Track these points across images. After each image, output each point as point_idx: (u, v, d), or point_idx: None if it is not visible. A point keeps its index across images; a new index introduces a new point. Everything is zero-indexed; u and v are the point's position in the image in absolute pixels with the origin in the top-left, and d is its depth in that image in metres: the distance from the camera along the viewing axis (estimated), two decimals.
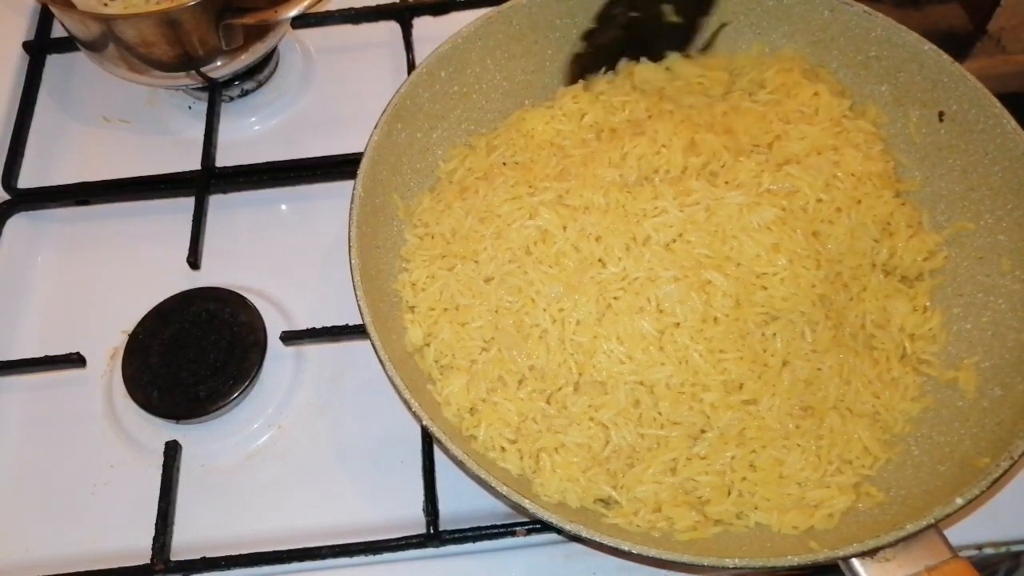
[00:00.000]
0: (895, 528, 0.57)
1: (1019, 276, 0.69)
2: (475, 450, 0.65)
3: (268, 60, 0.97)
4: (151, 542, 0.70)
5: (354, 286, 0.66)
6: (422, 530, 0.70)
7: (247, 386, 0.76)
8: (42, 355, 0.79)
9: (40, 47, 1.00)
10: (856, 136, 0.76)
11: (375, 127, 0.73)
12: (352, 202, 0.69)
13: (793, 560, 0.57)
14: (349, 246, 0.68)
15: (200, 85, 0.93)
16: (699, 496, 0.65)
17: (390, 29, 0.99)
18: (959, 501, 0.57)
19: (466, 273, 0.71)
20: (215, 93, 0.94)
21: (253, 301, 0.80)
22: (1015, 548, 0.69)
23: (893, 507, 0.63)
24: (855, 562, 0.57)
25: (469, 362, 0.69)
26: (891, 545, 0.57)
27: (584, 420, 0.66)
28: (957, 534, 0.68)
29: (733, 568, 0.57)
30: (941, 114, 0.75)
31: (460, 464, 0.60)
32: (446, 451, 0.61)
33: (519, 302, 0.69)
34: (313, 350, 0.81)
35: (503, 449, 0.66)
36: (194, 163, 0.90)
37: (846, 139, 0.76)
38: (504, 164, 0.78)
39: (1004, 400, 0.65)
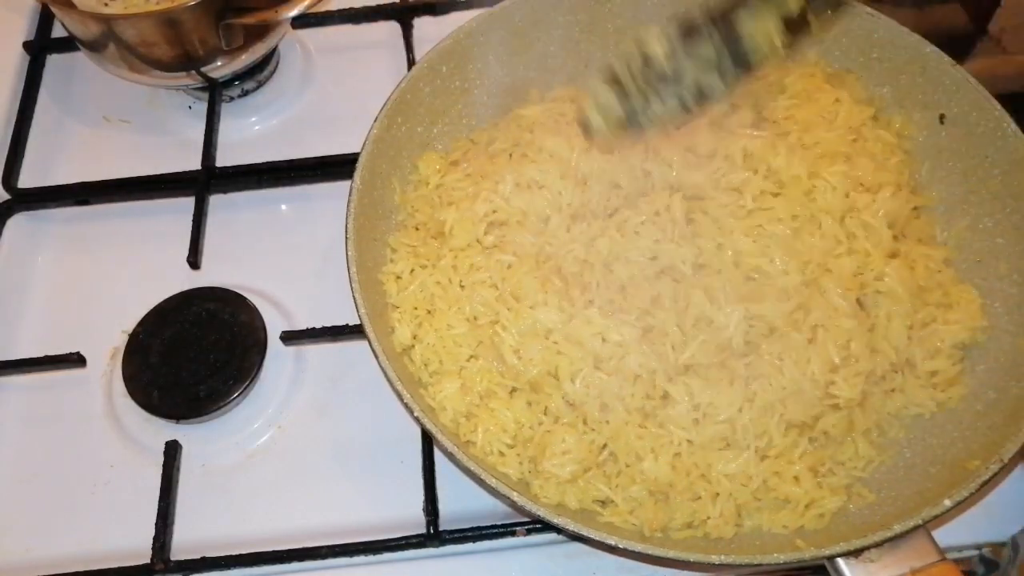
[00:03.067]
0: (882, 528, 0.57)
1: (1016, 280, 0.70)
2: (474, 455, 0.65)
3: (268, 60, 0.97)
4: (151, 542, 0.70)
5: (350, 278, 0.66)
6: (422, 530, 0.70)
7: (247, 386, 0.76)
8: (42, 355, 0.79)
9: (40, 47, 1.00)
10: (874, 146, 0.76)
11: (375, 120, 0.73)
12: (350, 194, 0.69)
13: (779, 558, 0.58)
14: (346, 238, 0.68)
15: (200, 85, 0.93)
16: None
17: (390, 29, 0.99)
18: (947, 503, 0.57)
19: (444, 274, 0.71)
20: (215, 93, 0.94)
21: (253, 301, 0.80)
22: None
23: (883, 508, 0.64)
24: (840, 562, 0.58)
25: (458, 367, 0.69)
26: (877, 545, 0.57)
27: (580, 432, 0.66)
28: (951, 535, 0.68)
29: (720, 564, 0.58)
30: (942, 117, 0.75)
31: (452, 457, 0.61)
32: (439, 444, 0.61)
33: (490, 315, 0.69)
34: (313, 350, 0.81)
35: (502, 454, 0.66)
36: (194, 163, 0.90)
37: (862, 148, 0.75)
38: (510, 156, 0.78)
39: (997, 404, 0.66)
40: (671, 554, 0.58)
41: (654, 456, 0.64)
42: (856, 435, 0.67)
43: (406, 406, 0.62)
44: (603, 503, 0.65)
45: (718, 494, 0.64)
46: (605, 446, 0.66)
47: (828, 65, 0.81)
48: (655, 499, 0.65)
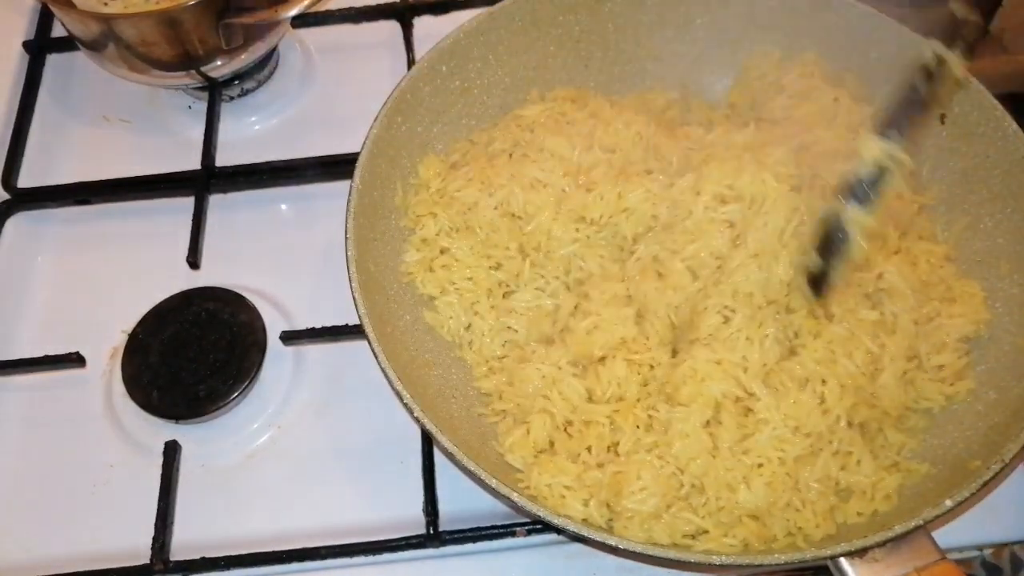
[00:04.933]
0: (884, 529, 0.57)
1: (1017, 280, 0.70)
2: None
3: (268, 60, 0.97)
4: (151, 542, 0.70)
5: (349, 277, 0.66)
6: (422, 530, 0.70)
7: (247, 386, 0.76)
8: (42, 355, 0.79)
9: (40, 46, 1.00)
10: None
11: (375, 120, 0.73)
12: (350, 194, 0.70)
13: (780, 559, 0.57)
14: (346, 237, 0.68)
15: (200, 85, 0.93)
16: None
17: (390, 28, 0.99)
18: (948, 503, 0.57)
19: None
20: (215, 93, 0.94)
21: (253, 301, 0.80)
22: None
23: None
24: (843, 562, 0.57)
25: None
26: (879, 545, 0.57)
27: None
28: (952, 536, 0.68)
29: (721, 565, 0.57)
30: (943, 116, 0.75)
31: (452, 458, 0.60)
32: (439, 445, 0.61)
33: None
34: (313, 350, 0.81)
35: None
36: (194, 163, 0.90)
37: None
38: (510, 156, 0.78)
39: (999, 404, 0.65)
40: (671, 555, 0.58)
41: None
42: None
43: (406, 406, 0.62)
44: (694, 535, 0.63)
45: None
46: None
47: (827, 64, 0.81)
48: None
